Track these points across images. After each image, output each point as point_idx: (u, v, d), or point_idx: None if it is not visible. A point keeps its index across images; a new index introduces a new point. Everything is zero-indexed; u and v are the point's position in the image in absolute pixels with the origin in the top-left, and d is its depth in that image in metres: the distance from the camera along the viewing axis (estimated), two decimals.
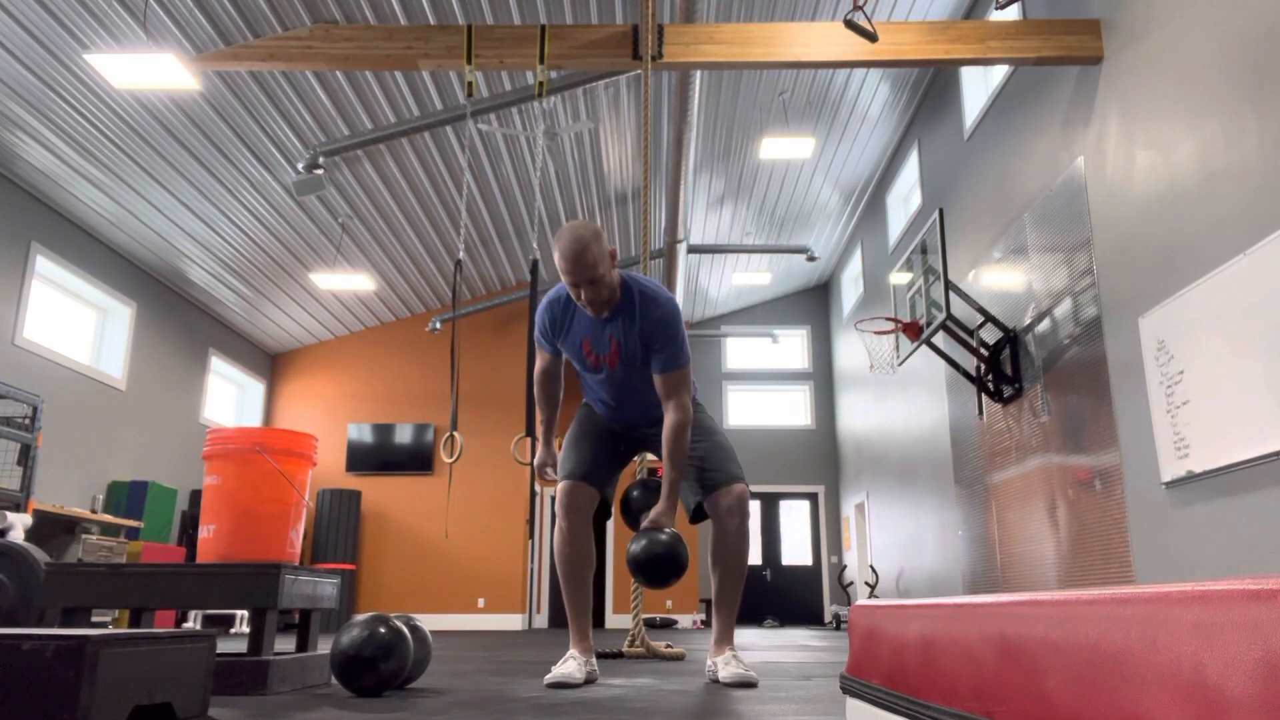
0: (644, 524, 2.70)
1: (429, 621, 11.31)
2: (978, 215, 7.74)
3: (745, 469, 13.93)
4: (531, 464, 5.01)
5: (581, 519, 2.78)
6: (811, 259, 11.49)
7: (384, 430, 11.92)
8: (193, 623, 8.65)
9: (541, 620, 12.82)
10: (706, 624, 12.61)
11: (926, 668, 1.08)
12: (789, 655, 4.52)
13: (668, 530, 2.62)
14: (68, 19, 6.01)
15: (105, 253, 8.69)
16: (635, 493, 2.87)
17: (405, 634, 2.41)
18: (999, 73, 7.49)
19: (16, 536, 5.96)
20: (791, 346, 14.73)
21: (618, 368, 2.75)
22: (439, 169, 8.95)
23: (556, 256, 2.57)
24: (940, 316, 6.71)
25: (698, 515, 2.86)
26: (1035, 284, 6.52)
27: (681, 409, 2.67)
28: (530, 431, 4.97)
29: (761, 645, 5.82)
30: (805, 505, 14.14)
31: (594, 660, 2.82)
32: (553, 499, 13.27)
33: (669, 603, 12.91)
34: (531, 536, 10.71)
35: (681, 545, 2.61)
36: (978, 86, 8.05)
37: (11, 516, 6.03)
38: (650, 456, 4.57)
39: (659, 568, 2.57)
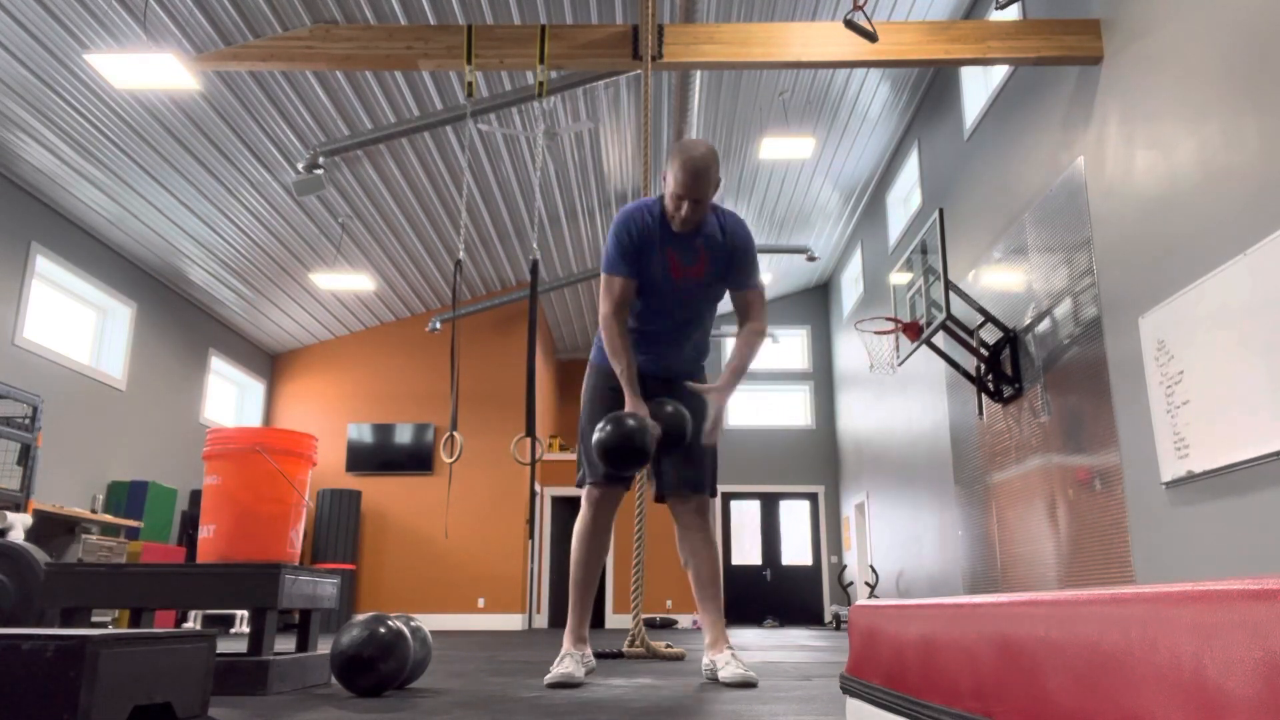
0: (711, 410, 2.76)
1: (429, 621, 11.31)
2: (978, 215, 7.74)
3: (745, 469, 13.96)
4: (531, 464, 5.00)
5: (607, 515, 2.86)
6: (811, 259, 11.49)
7: (384, 430, 11.92)
8: (193, 623, 8.65)
9: (541, 620, 12.82)
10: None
11: (926, 668, 1.08)
12: (789, 655, 4.52)
13: (635, 415, 2.61)
14: (68, 19, 6.01)
15: (105, 253, 8.69)
16: (669, 407, 2.76)
17: (405, 634, 2.41)
18: (999, 73, 7.49)
19: (16, 536, 5.96)
20: (791, 346, 14.73)
21: (703, 279, 2.78)
22: (439, 169, 8.95)
23: (675, 168, 2.61)
24: (940, 316, 6.71)
25: (661, 499, 2.93)
26: (1035, 284, 6.52)
27: (763, 322, 2.85)
28: (530, 431, 4.97)
29: (761, 645, 5.82)
30: (805, 505, 14.13)
31: (590, 653, 2.84)
32: (553, 499, 13.26)
33: (669, 602, 12.92)
34: (531, 536, 10.70)
35: (647, 434, 2.57)
36: (978, 86, 8.05)
37: (11, 516, 6.03)
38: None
39: (628, 446, 2.55)
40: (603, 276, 2.80)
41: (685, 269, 2.76)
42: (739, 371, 2.79)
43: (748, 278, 2.82)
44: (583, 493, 2.89)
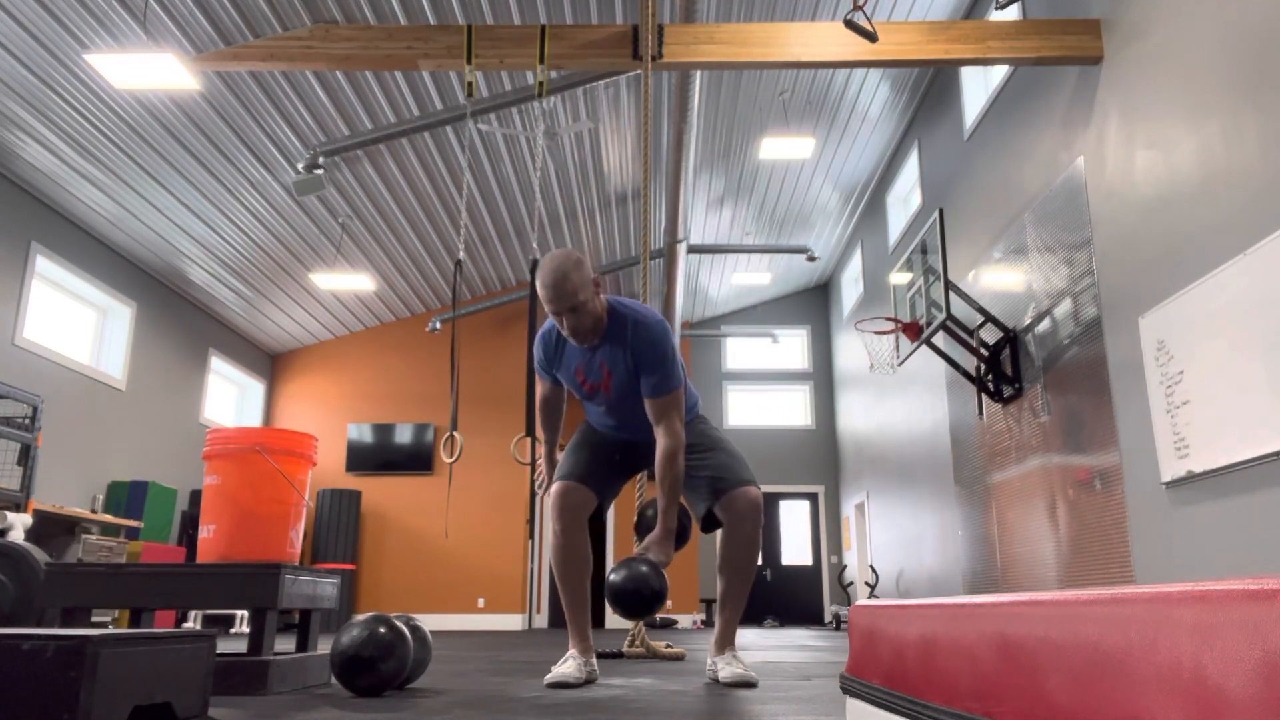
0: (636, 551, 2.67)
1: (429, 621, 11.31)
2: (978, 215, 7.74)
3: None
4: (531, 464, 5.00)
5: (576, 520, 2.75)
6: (811, 259, 11.49)
7: (384, 430, 11.92)
8: (193, 623, 8.65)
9: (541, 620, 12.82)
10: (707, 624, 12.61)
11: (926, 668, 1.08)
12: (789, 655, 4.52)
13: (648, 560, 2.54)
14: (68, 19, 6.01)
15: (105, 253, 8.69)
16: (650, 511, 2.86)
17: (405, 634, 2.41)
18: (999, 73, 7.49)
19: (16, 536, 5.96)
20: (791, 346, 14.73)
21: (612, 393, 2.73)
22: (439, 169, 8.95)
23: (538, 286, 2.54)
24: (940, 316, 6.71)
25: (709, 523, 2.83)
26: (1035, 284, 6.52)
27: (672, 434, 2.62)
28: (530, 432, 4.97)
29: (761, 645, 5.82)
30: (805, 505, 14.14)
31: (594, 660, 2.82)
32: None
33: (669, 602, 12.91)
34: (531, 536, 10.71)
35: (661, 579, 2.51)
36: (978, 86, 8.05)
37: (11, 516, 6.03)
38: (648, 480, 4.58)
39: (636, 599, 2.47)
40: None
41: (594, 384, 2.74)
42: (667, 510, 2.62)
43: (651, 385, 2.62)
44: (551, 500, 2.80)
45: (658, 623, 12.08)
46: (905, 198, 10.38)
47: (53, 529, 7.41)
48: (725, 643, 2.84)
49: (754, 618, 13.52)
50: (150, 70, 5.81)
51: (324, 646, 4.84)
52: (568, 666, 2.69)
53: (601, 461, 2.85)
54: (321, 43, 6.04)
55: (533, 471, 5.00)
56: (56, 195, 7.78)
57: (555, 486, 2.80)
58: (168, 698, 1.63)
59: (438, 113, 7.74)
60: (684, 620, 12.79)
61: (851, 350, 12.80)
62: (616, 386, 2.71)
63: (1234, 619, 0.55)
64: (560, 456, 2.98)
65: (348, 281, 10.30)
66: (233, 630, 9.31)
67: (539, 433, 3.05)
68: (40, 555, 4.80)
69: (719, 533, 2.81)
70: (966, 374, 7.36)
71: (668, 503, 2.62)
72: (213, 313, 10.65)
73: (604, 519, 2.87)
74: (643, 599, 2.47)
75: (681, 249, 10.00)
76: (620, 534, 12.85)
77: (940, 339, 7.98)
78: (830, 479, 14.02)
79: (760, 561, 13.82)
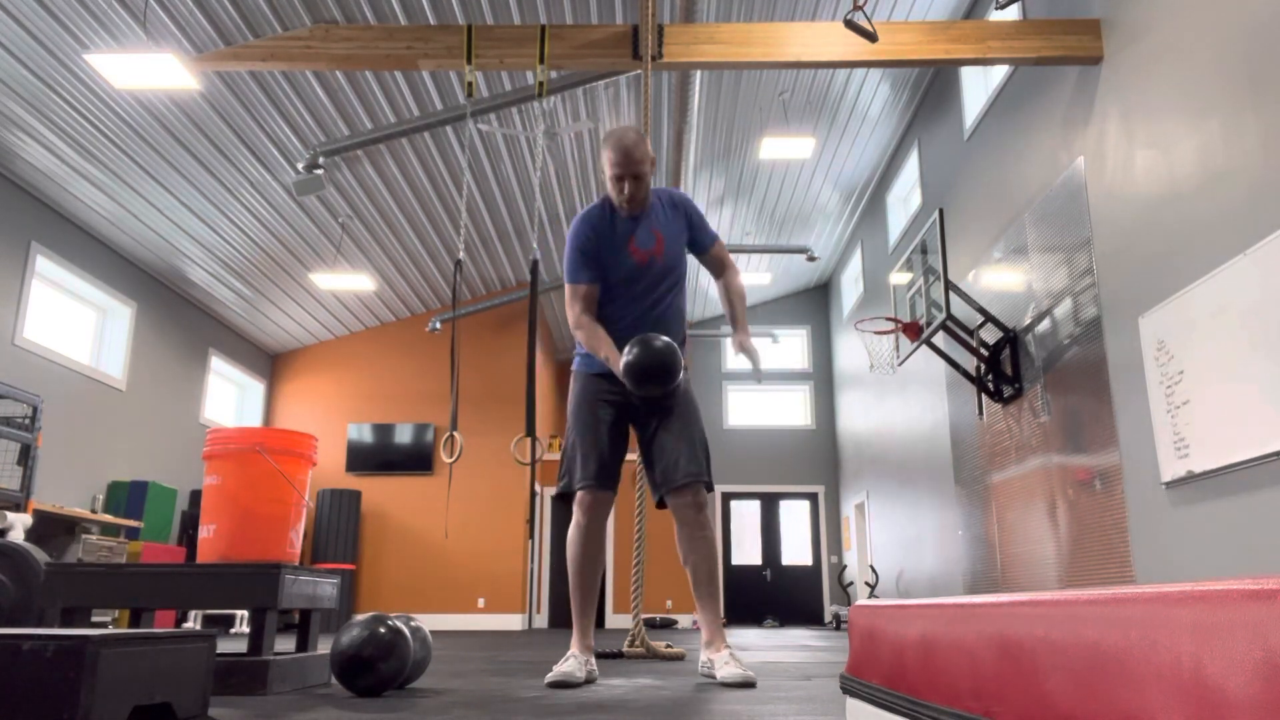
0: (746, 353, 2.89)
1: (429, 621, 11.31)
2: (978, 215, 7.74)
3: (745, 469, 13.96)
4: (531, 464, 5.00)
5: (600, 520, 2.84)
6: (811, 259, 11.49)
7: (384, 430, 11.92)
8: (193, 623, 8.65)
9: (541, 620, 12.82)
10: None
11: (926, 668, 1.08)
12: (789, 655, 4.52)
13: (661, 339, 2.67)
14: (68, 19, 6.01)
15: (105, 253, 8.69)
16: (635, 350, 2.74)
17: (405, 634, 2.41)
18: (999, 73, 7.49)
19: (16, 536, 5.96)
20: (791, 346, 14.73)
21: (663, 258, 2.89)
22: (439, 169, 8.95)
23: (607, 151, 2.77)
24: (940, 316, 6.71)
25: (663, 505, 2.91)
26: (1035, 284, 6.52)
27: (736, 270, 3.08)
28: (530, 432, 4.97)
29: (761, 645, 5.82)
30: (805, 505, 14.14)
31: (594, 661, 2.83)
32: (553, 499, 13.27)
33: (669, 602, 12.92)
34: (531, 536, 10.70)
35: (675, 352, 2.66)
36: (978, 86, 8.05)
37: (11, 516, 6.03)
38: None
39: (658, 369, 2.62)
40: (567, 286, 2.89)
41: (647, 251, 2.88)
42: (744, 324, 3.00)
43: (706, 234, 3.03)
44: (575, 500, 2.85)
45: (658, 622, 12.08)
46: (905, 198, 10.38)
47: (53, 529, 7.41)
48: (717, 639, 2.84)
49: (754, 618, 13.52)
50: (150, 70, 5.80)
51: (324, 646, 4.85)
52: (569, 665, 2.69)
53: (614, 451, 2.88)
54: (321, 43, 6.04)
55: (533, 471, 5.00)
56: (56, 195, 7.78)
57: (580, 495, 2.84)
58: (168, 698, 1.63)
59: (438, 113, 7.74)
60: (684, 620, 12.79)
61: (851, 350, 12.80)
62: (666, 251, 2.91)
63: (1234, 619, 0.55)
64: (565, 444, 2.96)
65: (348, 281, 10.30)
66: (233, 630, 9.31)
67: (599, 340, 2.80)
68: (40, 555, 4.80)
69: (675, 529, 2.90)
70: (966, 374, 7.36)
71: (744, 317, 3.03)
72: (213, 313, 10.65)
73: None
74: (667, 370, 2.63)
75: None
76: (620, 535, 12.85)
77: (940, 339, 7.98)
78: (830, 479, 14.02)
79: (760, 561, 13.81)
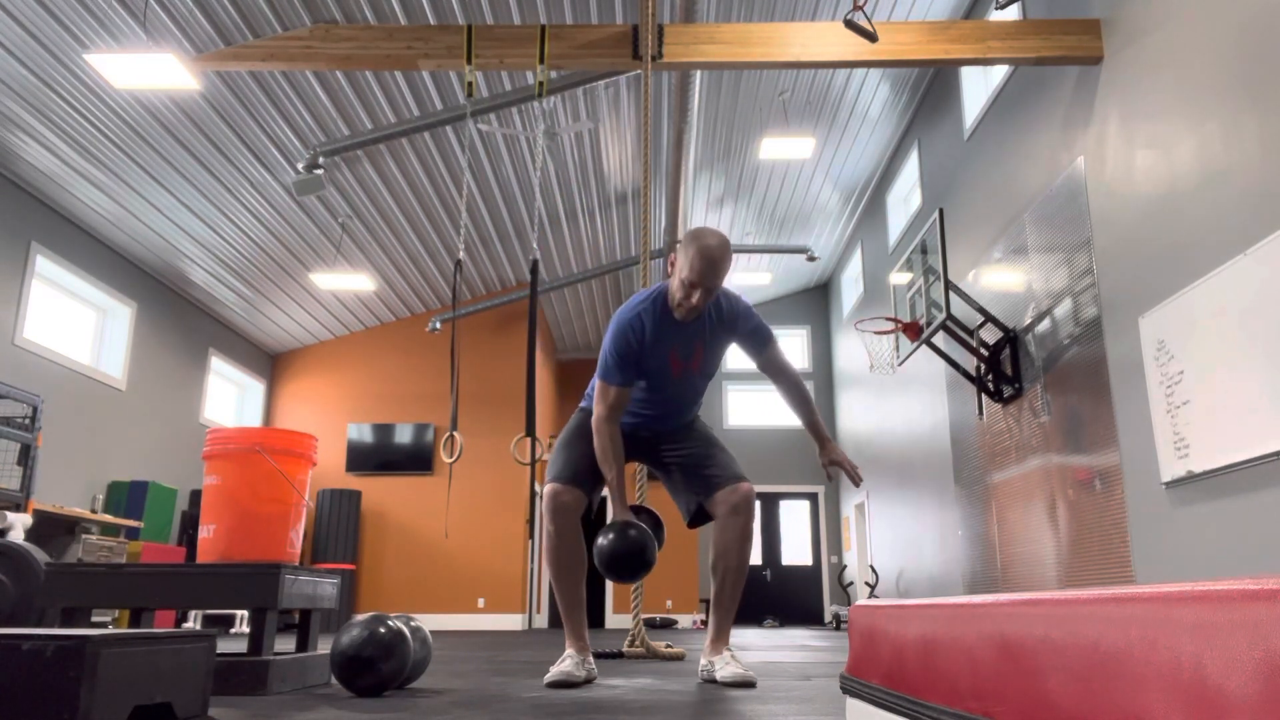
0: (842, 460, 2.80)
1: (429, 621, 11.31)
2: (978, 215, 7.74)
3: (745, 469, 13.95)
4: (531, 464, 5.00)
5: (569, 521, 2.76)
6: (811, 259, 11.49)
7: (384, 430, 11.92)
8: (193, 623, 8.65)
9: (541, 620, 12.82)
10: (707, 624, 12.61)
11: (926, 668, 1.08)
12: (789, 655, 4.52)
13: (638, 525, 2.60)
14: (68, 19, 6.01)
15: (105, 253, 8.69)
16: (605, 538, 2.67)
17: (405, 634, 2.41)
18: (999, 73, 7.49)
19: (16, 536, 5.96)
20: (791, 346, 14.73)
21: (699, 369, 2.81)
22: (439, 169, 8.95)
23: (691, 255, 2.57)
24: (940, 316, 6.71)
25: (697, 519, 2.85)
26: (1035, 284, 6.52)
27: (795, 371, 2.93)
28: (530, 432, 4.97)
29: (761, 645, 5.82)
30: (805, 505, 14.14)
31: (591, 659, 2.82)
32: None
33: (669, 602, 12.92)
34: (531, 536, 10.70)
35: (652, 546, 2.59)
36: (978, 86, 8.05)
37: (11, 516, 6.03)
38: (648, 479, 4.59)
39: (628, 564, 2.56)
40: (598, 381, 2.77)
41: (684, 364, 2.77)
42: (819, 425, 2.93)
43: (762, 340, 2.84)
44: (543, 500, 2.82)
45: (658, 622, 12.08)
46: (905, 198, 10.38)
47: (53, 529, 7.41)
48: (721, 641, 2.84)
49: (754, 618, 13.52)
50: (150, 70, 5.80)
51: (324, 646, 4.85)
52: (567, 665, 2.69)
53: (591, 458, 2.82)
54: (321, 43, 6.04)
55: (533, 471, 5.00)
56: (56, 195, 7.78)
57: (547, 489, 2.80)
58: (168, 698, 1.63)
59: (438, 113, 7.74)
60: (684, 620, 12.78)
61: (851, 350, 12.80)
62: (703, 368, 2.82)
63: (1234, 619, 0.55)
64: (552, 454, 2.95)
65: (348, 281, 10.29)
66: (233, 630, 9.31)
67: (609, 466, 2.74)
68: (40, 555, 4.80)
69: (713, 535, 2.84)
70: (966, 374, 7.36)
71: (817, 420, 2.92)
72: (213, 313, 10.65)
73: (593, 518, 2.85)
74: (635, 564, 2.57)
75: None
76: None
77: (940, 339, 7.98)
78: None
79: (760, 561, 13.81)
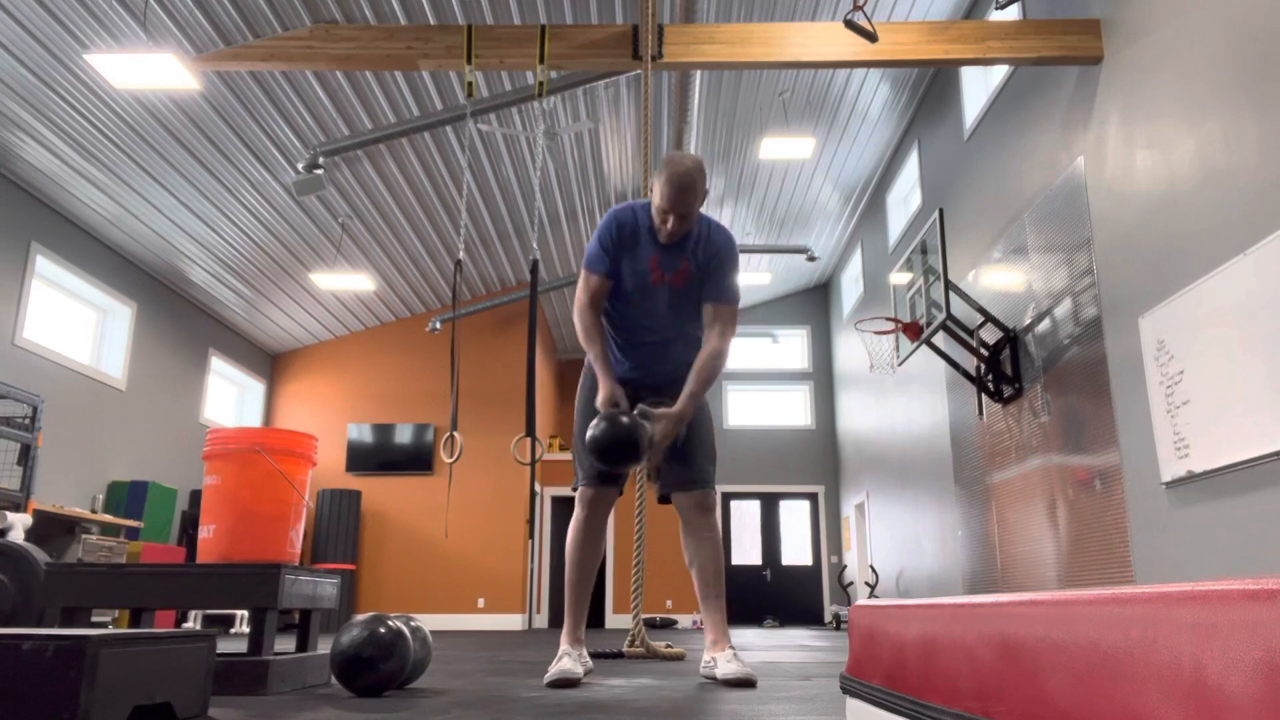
0: (659, 434, 2.65)
1: (429, 621, 11.31)
2: (978, 215, 7.74)
3: (745, 469, 13.96)
4: (531, 464, 5.00)
5: (601, 516, 2.85)
6: (811, 259, 11.49)
7: (384, 430, 11.92)
8: (193, 623, 8.65)
9: (541, 620, 12.82)
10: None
11: (926, 668, 1.08)
12: (789, 655, 4.52)
13: (628, 416, 2.58)
14: (68, 19, 6.01)
15: (105, 253, 8.69)
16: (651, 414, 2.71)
17: (405, 634, 2.41)
18: (999, 73, 7.49)
19: (16, 536, 5.96)
20: (791, 346, 14.73)
21: (681, 287, 2.76)
22: (439, 169, 8.95)
23: (662, 182, 2.59)
24: (940, 316, 6.71)
25: (665, 500, 2.92)
26: (1035, 284, 6.52)
27: (724, 338, 2.74)
28: (531, 432, 4.97)
29: (761, 645, 5.82)
30: (805, 505, 14.14)
31: (586, 654, 2.85)
32: (553, 499, 13.26)
33: (669, 602, 12.92)
34: (531, 536, 10.70)
35: (641, 430, 2.55)
36: (978, 86, 8.05)
37: (11, 516, 6.03)
38: (648, 480, 4.59)
39: (617, 449, 2.53)
40: (582, 271, 2.82)
41: (666, 275, 2.76)
42: (694, 396, 2.70)
43: (718, 288, 2.75)
44: (576, 495, 2.90)
45: (658, 622, 12.08)
46: (905, 198, 10.38)
47: (53, 529, 7.41)
48: (722, 639, 2.84)
49: (754, 617, 13.52)
50: (150, 70, 5.80)
51: (324, 646, 4.85)
52: (566, 663, 2.69)
53: None
54: (321, 43, 6.04)
55: (533, 471, 5.00)
56: (56, 195, 7.78)
57: (582, 490, 2.86)
58: (168, 698, 1.63)
59: (438, 113, 7.74)
60: (684, 620, 12.78)
61: (851, 350, 12.79)
62: (687, 282, 2.76)
63: (1234, 619, 0.55)
64: (574, 438, 2.95)
65: (348, 281, 10.30)
66: (233, 630, 9.31)
67: (590, 343, 2.75)
68: (40, 555, 4.80)
69: (681, 530, 2.90)
70: (966, 374, 7.36)
71: (698, 389, 2.69)
72: (213, 313, 10.65)
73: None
74: (627, 445, 2.52)
75: None
76: (620, 535, 12.85)
77: (940, 339, 7.98)
78: (830, 479, 14.02)
79: (760, 561, 13.81)
